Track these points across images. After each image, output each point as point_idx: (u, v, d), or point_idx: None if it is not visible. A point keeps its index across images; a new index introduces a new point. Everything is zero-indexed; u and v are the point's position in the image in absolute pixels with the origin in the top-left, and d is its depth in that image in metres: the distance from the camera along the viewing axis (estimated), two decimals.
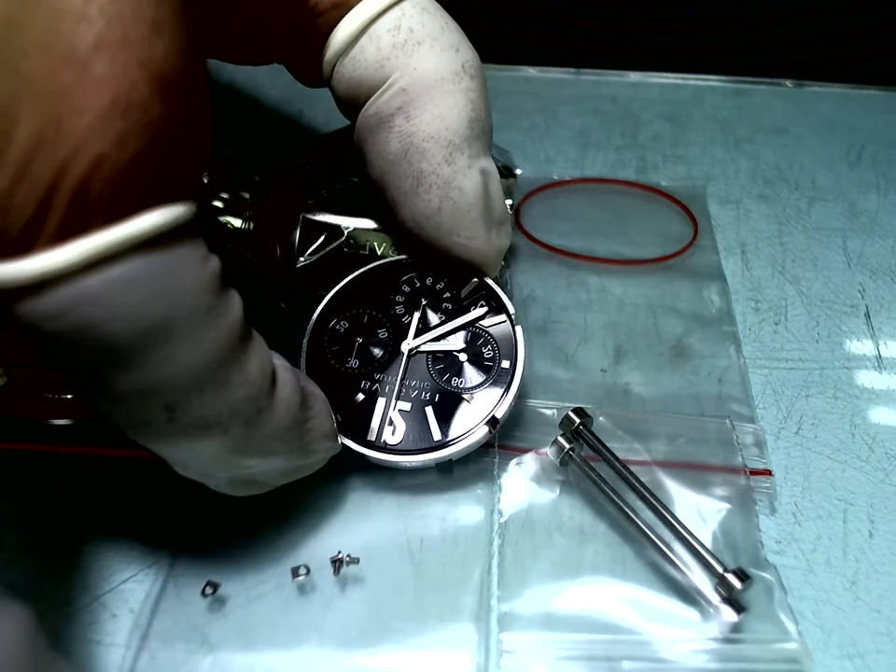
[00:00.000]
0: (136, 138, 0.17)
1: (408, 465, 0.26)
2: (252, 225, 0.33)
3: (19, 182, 0.16)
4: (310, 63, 0.27)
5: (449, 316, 0.28)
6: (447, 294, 0.29)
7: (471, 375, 0.27)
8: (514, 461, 0.28)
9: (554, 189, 0.41)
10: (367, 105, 0.26)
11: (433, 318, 0.28)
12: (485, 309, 0.28)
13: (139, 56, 0.17)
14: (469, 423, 0.26)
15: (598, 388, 0.31)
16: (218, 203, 0.33)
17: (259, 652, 0.23)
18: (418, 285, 0.29)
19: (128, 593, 0.25)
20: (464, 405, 0.27)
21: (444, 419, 0.26)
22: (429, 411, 0.26)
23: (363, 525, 0.27)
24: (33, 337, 0.18)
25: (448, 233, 0.27)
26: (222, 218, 0.33)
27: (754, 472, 0.28)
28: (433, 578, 0.25)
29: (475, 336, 0.28)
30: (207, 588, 0.24)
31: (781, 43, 0.52)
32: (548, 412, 0.30)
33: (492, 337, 0.28)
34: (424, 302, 0.29)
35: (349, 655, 0.23)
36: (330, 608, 0.24)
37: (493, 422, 0.26)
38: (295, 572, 0.25)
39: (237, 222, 0.33)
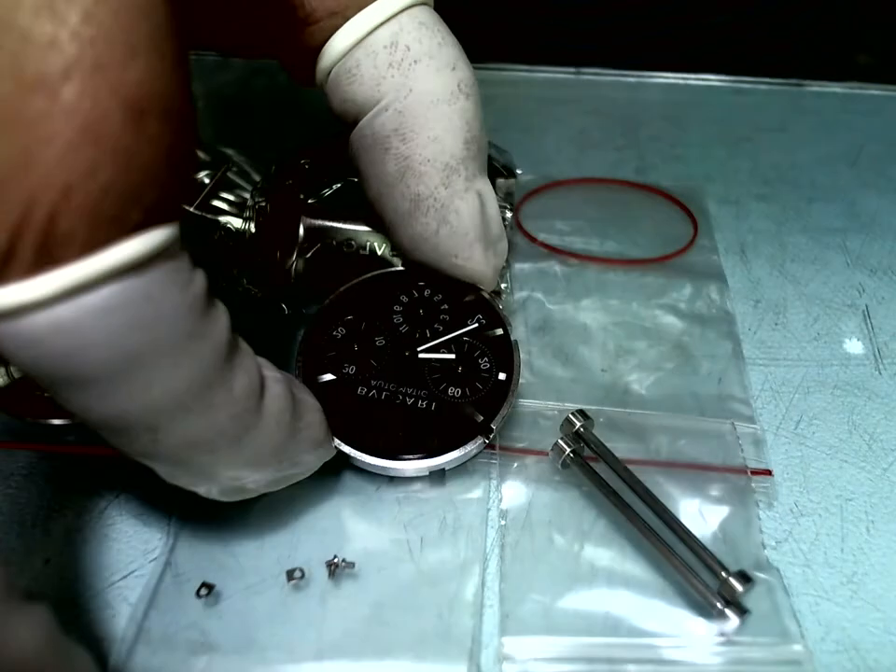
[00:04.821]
0: (108, 168, 0.16)
1: (402, 472, 0.26)
2: (252, 225, 0.33)
3: None
4: (304, 67, 0.27)
5: (446, 328, 0.28)
6: (445, 306, 0.29)
7: (468, 385, 0.27)
8: (515, 463, 0.28)
9: (554, 189, 0.41)
10: (362, 123, 0.26)
11: (431, 329, 0.28)
12: (483, 322, 0.29)
13: (111, 82, 0.16)
14: (464, 433, 0.26)
15: (598, 388, 0.31)
16: (218, 203, 0.33)
17: (255, 652, 0.23)
18: (416, 296, 0.29)
19: (126, 591, 0.25)
20: (459, 415, 0.27)
21: (439, 428, 0.26)
22: (425, 420, 0.26)
23: (363, 525, 0.27)
24: (11, 361, 0.18)
25: (446, 255, 0.28)
26: (222, 219, 0.33)
27: (754, 472, 0.28)
28: (433, 578, 0.25)
29: (472, 347, 0.28)
30: (202, 589, 0.24)
31: (781, 43, 0.52)
32: (548, 412, 0.30)
33: (488, 349, 0.28)
34: (422, 313, 0.29)
35: (346, 656, 0.23)
36: (328, 606, 0.24)
37: (487, 432, 0.26)
38: (290, 575, 0.25)
39: (237, 222, 0.33)
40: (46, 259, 0.16)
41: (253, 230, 0.33)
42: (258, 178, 0.36)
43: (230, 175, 0.35)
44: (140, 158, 0.17)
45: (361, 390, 0.27)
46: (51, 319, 0.17)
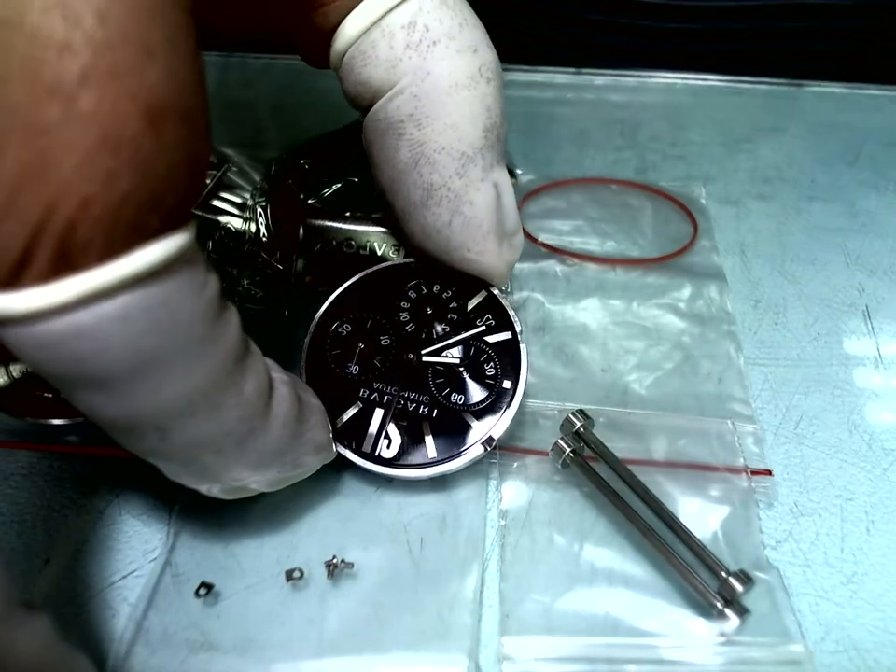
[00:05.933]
0: (127, 176, 0.16)
1: (401, 478, 0.26)
2: (252, 225, 0.33)
3: (5, 218, 0.16)
4: (318, 50, 0.26)
5: (454, 328, 0.28)
6: (453, 304, 0.28)
7: (472, 392, 0.27)
8: (515, 463, 0.28)
9: (554, 189, 0.41)
10: (376, 107, 0.25)
11: (437, 329, 0.28)
12: (491, 324, 0.28)
13: (129, 87, 0.16)
14: (466, 441, 0.26)
15: (598, 388, 0.31)
16: (218, 204, 0.33)
17: (255, 651, 0.23)
18: (424, 291, 0.28)
19: (126, 591, 0.25)
20: (461, 423, 0.26)
21: (441, 435, 0.26)
22: (426, 427, 0.26)
23: (363, 525, 0.26)
24: (24, 361, 0.18)
25: (458, 248, 0.27)
26: (222, 219, 0.33)
27: (754, 472, 0.28)
28: (433, 577, 0.25)
29: (479, 351, 0.27)
30: (201, 589, 0.24)
31: (781, 43, 0.52)
32: (548, 412, 0.30)
33: (495, 354, 0.27)
34: (429, 312, 0.28)
35: (346, 655, 0.23)
36: (328, 606, 0.24)
37: (489, 441, 0.26)
38: (289, 575, 0.25)
39: (237, 222, 0.33)
40: (64, 265, 0.16)
41: (253, 230, 0.33)
42: (258, 178, 0.36)
43: (230, 174, 0.35)
44: (159, 165, 0.17)
45: (363, 392, 0.27)
46: (69, 325, 0.16)
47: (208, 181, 0.34)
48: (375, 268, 0.30)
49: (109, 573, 0.25)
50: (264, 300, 0.32)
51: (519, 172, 0.41)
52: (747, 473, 0.28)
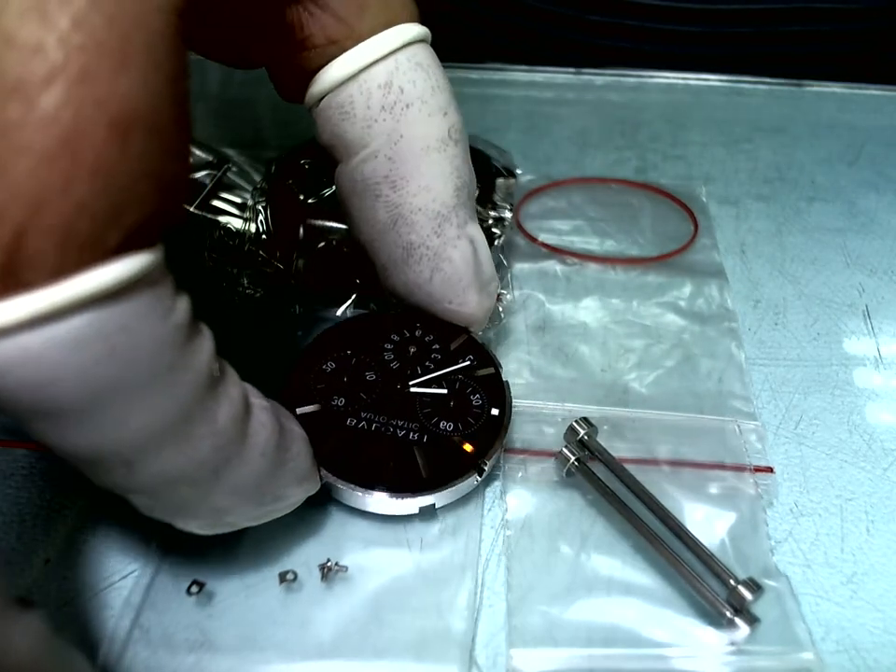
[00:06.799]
0: (85, 183, 0.15)
1: (389, 511, 0.25)
2: (252, 225, 0.33)
3: None
4: (294, 86, 0.26)
5: (437, 365, 0.28)
6: (436, 346, 0.29)
7: (460, 420, 0.26)
8: (519, 472, 0.28)
9: (554, 189, 0.41)
10: (352, 166, 0.26)
11: (422, 366, 0.28)
12: (474, 364, 0.28)
13: (97, 93, 0.15)
14: (456, 469, 0.25)
15: (598, 388, 0.31)
16: (218, 203, 0.33)
17: (255, 652, 0.23)
18: (407, 335, 0.29)
19: (126, 591, 0.25)
20: (451, 450, 0.26)
21: (431, 462, 0.25)
22: (416, 451, 0.26)
23: (362, 526, 0.26)
24: None
25: (440, 301, 0.28)
26: (222, 219, 0.33)
27: (757, 469, 0.28)
28: (432, 580, 0.25)
29: (464, 384, 0.28)
30: (193, 587, 0.24)
31: (781, 43, 0.52)
32: (551, 418, 0.30)
33: (480, 387, 0.28)
34: (412, 351, 0.28)
35: (345, 656, 0.23)
36: (327, 607, 0.24)
37: (480, 469, 0.26)
38: (282, 577, 0.24)
39: (237, 222, 0.33)
40: (11, 282, 0.15)
41: (253, 230, 0.33)
42: (258, 178, 0.36)
43: (230, 174, 0.35)
44: (122, 176, 0.16)
45: (350, 421, 0.26)
46: (16, 348, 0.15)
47: (208, 181, 0.34)
48: (356, 316, 0.30)
49: (109, 573, 0.25)
50: (264, 300, 0.32)
51: (519, 172, 0.41)
52: (750, 471, 0.28)
